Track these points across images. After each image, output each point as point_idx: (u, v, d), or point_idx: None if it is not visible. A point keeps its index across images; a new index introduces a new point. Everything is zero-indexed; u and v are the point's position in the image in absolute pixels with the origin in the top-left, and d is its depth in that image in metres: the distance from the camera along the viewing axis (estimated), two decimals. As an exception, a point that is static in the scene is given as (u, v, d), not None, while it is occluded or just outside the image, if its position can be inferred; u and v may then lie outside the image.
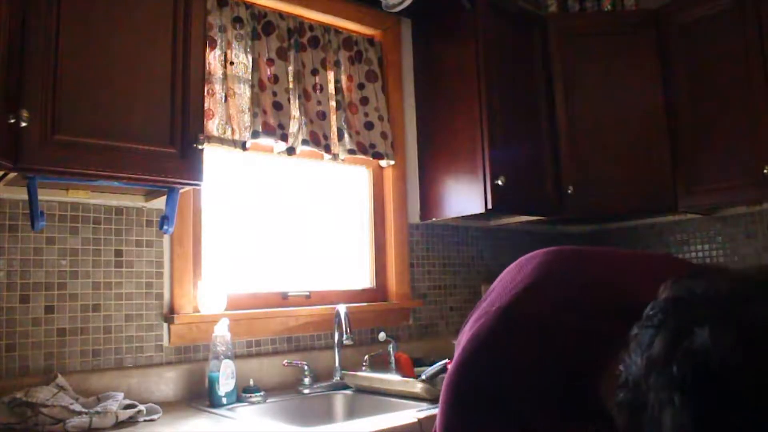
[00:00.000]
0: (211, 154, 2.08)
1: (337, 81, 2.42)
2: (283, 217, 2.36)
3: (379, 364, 2.21)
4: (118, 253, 1.86)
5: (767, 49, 2.31)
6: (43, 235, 1.74)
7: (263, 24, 2.22)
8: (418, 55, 2.72)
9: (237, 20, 2.15)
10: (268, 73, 2.20)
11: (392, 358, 2.18)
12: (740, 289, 0.51)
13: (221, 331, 1.87)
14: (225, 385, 1.81)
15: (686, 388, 0.47)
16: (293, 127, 2.24)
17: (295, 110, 2.26)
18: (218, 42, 2.10)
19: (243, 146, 2.11)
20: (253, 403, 1.86)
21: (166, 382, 1.87)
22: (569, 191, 2.58)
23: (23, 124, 1.39)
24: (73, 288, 1.77)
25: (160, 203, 1.87)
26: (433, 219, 2.62)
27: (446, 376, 0.75)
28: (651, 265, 0.77)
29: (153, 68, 1.65)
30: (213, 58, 2.08)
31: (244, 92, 2.14)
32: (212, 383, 1.82)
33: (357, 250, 2.57)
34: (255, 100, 2.13)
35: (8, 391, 1.53)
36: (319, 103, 2.34)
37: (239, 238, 2.24)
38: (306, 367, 2.04)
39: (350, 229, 2.57)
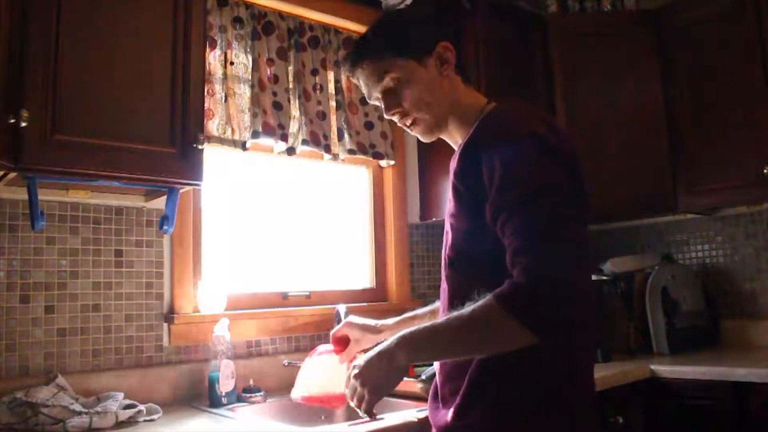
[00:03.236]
0: (211, 154, 2.08)
1: (337, 81, 2.42)
2: (283, 217, 2.37)
3: (379, 364, 2.21)
4: (118, 253, 1.86)
5: (767, 49, 2.31)
6: (43, 235, 1.74)
7: (263, 24, 2.22)
8: (418, 55, 2.71)
9: (237, 20, 2.15)
10: (268, 73, 2.20)
11: (392, 358, 2.18)
12: None
13: (221, 331, 1.87)
14: (225, 385, 1.81)
15: None
16: (293, 127, 2.24)
17: (295, 110, 2.25)
18: (218, 42, 2.10)
19: (243, 146, 2.11)
20: (253, 403, 1.86)
21: (166, 382, 1.87)
22: (569, 191, 2.57)
23: (23, 124, 1.39)
24: (73, 288, 1.77)
25: (160, 203, 1.87)
26: (433, 219, 2.62)
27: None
28: None
29: (153, 68, 1.64)
30: (213, 58, 2.08)
31: (244, 92, 2.14)
32: (212, 383, 1.82)
33: (357, 250, 2.57)
34: (255, 100, 2.13)
35: (8, 391, 1.54)
36: (319, 103, 2.34)
37: (239, 238, 2.24)
38: (306, 367, 2.04)
39: (350, 229, 2.57)
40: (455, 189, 1.12)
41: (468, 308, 0.98)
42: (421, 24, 1.23)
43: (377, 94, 1.24)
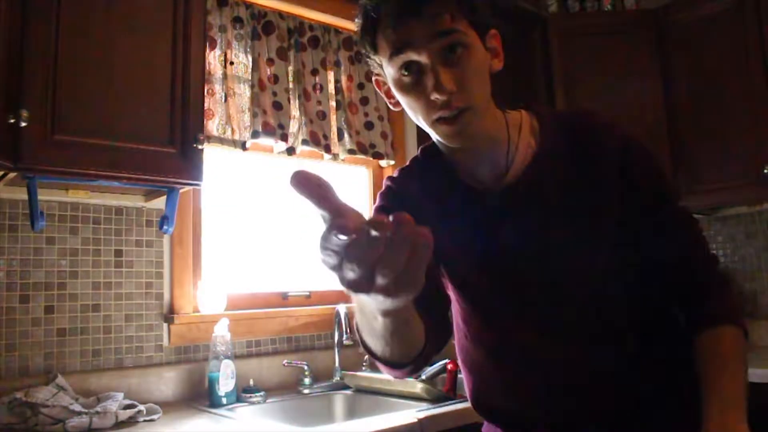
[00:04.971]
0: (211, 154, 2.08)
1: (337, 81, 2.42)
2: (283, 217, 2.37)
3: (379, 364, 2.21)
4: (118, 253, 1.86)
5: (767, 49, 2.31)
6: (43, 235, 1.74)
7: (263, 24, 2.22)
8: (418, 55, 2.71)
9: (237, 20, 2.15)
10: (268, 73, 2.20)
11: (392, 358, 2.18)
12: None
13: (221, 331, 1.87)
14: (225, 385, 1.81)
15: None
16: (293, 127, 2.24)
17: (295, 110, 2.26)
18: (218, 42, 2.10)
19: (243, 146, 2.11)
20: (253, 403, 1.86)
21: (166, 382, 1.87)
22: (569, 191, 2.57)
23: (23, 124, 1.39)
24: (73, 288, 1.77)
25: (160, 203, 1.87)
26: (433, 219, 2.61)
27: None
28: None
29: (153, 68, 1.64)
30: (213, 58, 2.08)
31: (244, 92, 2.14)
32: (212, 383, 1.82)
33: (357, 250, 2.56)
34: (255, 100, 2.13)
35: (8, 391, 1.54)
36: (319, 103, 2.34)
37: (239, 238, 2.24)
38: (306, 367, 2.04)
39: (350, 229, 2.56)
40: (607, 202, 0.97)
41: (715, 345, 0.94)
42: None
43: (425, 57, 0.88)
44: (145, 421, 1.59)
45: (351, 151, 2.39)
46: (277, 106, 2.19)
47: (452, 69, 0.88)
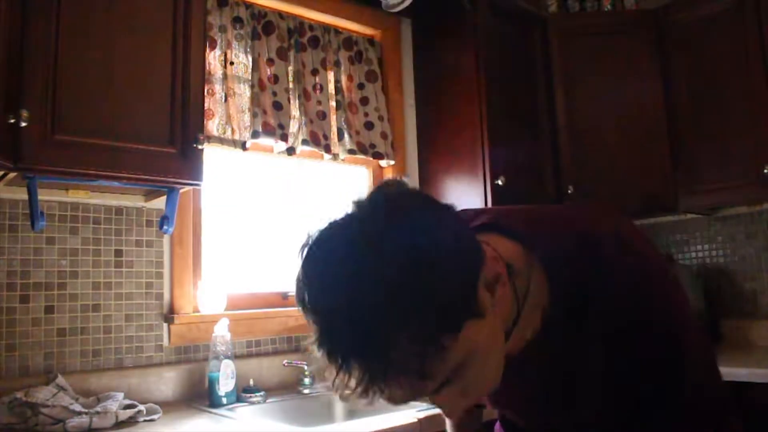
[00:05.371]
0: (211, 154, 2.08)
1: (337, 81, 2.42)
2: (283, 217, 2.37)
3: (379, 364, 2.21)
4: (118, 253, 1.86)
5: (767, 49, 2.31)
6: (43, 235, 1.74)
7: (263, 24, 2.22)
8: (418, 55, 2.72)
9: (237, 20, 2.15)
10: (268, 73, 2.20)
11: (392, 358, 2.18)
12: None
13: (221, 331, 1.87)
14: (225, 385, 1.81)
15: None
16: (293, 127, 2.24)
17: (295, 110, 2.25)
18: (218, 42, 2.10)
19: (243, 146, 2.11)
20: (253, 403, 1.86)
21: (166, 382, 1.87)
22: (569, 191, 2.57)
23: (23, 124, 1.39)
24: (73, 288, 1.77)
25: (160, 203, 1.87)
26: (433, 219, 2.61)
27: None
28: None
29: (153, 68, 1.64)
30: (213, 58, 2.08)
31: (244, 92, 2.14)
32: (212, 383, 1.82)
33: (357, 250, 2.56)
34: (255, 100, 2.13)
35: (8, 391, 1.54)
36: (319, 103, 2.34)
37: (239, 238, 2.24)
38: (306, 367, 2.04)
39: (350, 229, 2.56)
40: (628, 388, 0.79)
41: None
42: (455, 269, 0.67)
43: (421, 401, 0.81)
44: (145, 421, 1.59)
45: (351, 151, 2.39)
46: (277, 106, 2.19)
47: (454, 396, 0.71)
